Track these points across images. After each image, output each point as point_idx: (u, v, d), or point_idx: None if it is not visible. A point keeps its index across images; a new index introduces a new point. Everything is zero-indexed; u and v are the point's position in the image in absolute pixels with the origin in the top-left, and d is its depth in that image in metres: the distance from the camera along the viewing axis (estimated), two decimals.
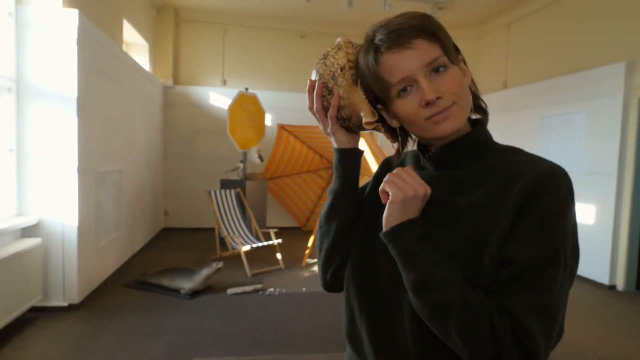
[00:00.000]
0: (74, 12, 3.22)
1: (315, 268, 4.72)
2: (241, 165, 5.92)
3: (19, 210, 3.20)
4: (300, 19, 6.83)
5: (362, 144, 4.36)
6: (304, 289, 3.98)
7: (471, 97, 0.72)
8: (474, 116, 0.76)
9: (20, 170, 3.19)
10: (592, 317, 3.50)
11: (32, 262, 3.02)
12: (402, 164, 0.84)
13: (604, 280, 4.29)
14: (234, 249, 4.60)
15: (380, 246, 0.75)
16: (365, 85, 0.72)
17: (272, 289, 3.93)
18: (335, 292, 0.85)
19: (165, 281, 3.75)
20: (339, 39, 0.76)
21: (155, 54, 6.47)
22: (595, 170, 4.40)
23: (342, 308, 0.82)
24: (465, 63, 0.72)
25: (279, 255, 4.76)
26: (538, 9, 5.55)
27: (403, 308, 0.70)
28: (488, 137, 0.74)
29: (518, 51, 6.00)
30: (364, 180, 0.83)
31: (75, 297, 3.30)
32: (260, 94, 6.41)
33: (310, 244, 5.00)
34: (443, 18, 6.24)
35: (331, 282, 0.84)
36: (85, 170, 3.46)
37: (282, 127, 6.09)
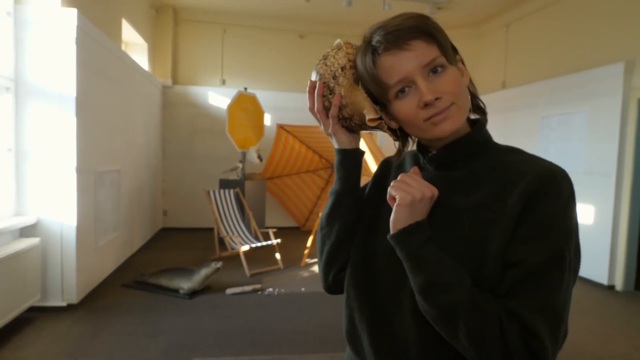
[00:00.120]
0: (73, 12, 3.22)
1: (315, 268, 4.72)
2: (240, 165, 5.92)
3: (18, 210, 3.19)
4: (299, 19, 6.83)
5: (362, 144, 4.36)
6: (303, 289, 3.97)
7: (470, 97, 0.72)
8: (472, 116, 0.76)
9: (18, 170, 3.18)
10: (590, 317, 3.50)
11: (31, 262, 3.01)
12: (401, 165, 0.84)
13: (603, 280, 4.29)
14: (232, 249, 4.59)
15: (380, 246, 0.75)
16: (365, 86, 0.72)
17: (271, 289, 3.93)
18: (338, 294, 0.84)
19: (164, 281, 3.75)
20: (338, 40, 0.76)
21: (154, 54, 6.46)
22: (595, 170, 4.41)
23: (342, 308, 0.82)
24: (463, 63, 0.72)
25: (278, 255, 4.76)
26: (537, 9, 5.55)
27: (404, 308, 0.70)
28: (488, 137, 0.74)
29: (517, 51, 6.00)
30: (363, 181, 0.83)
31: (73, 297, 3.30)
32: (260, 93, 6.41)
33: (309, 243, 5.00)
34: (442, 18, 6.25)
35: (333, 284, 0.84)
36: (84, 170, 3.46)
37: (281, 127, 6.09)
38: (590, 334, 3.14)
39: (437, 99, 0.65)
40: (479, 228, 0.66)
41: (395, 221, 0.68)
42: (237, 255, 4.72)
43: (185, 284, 3.64)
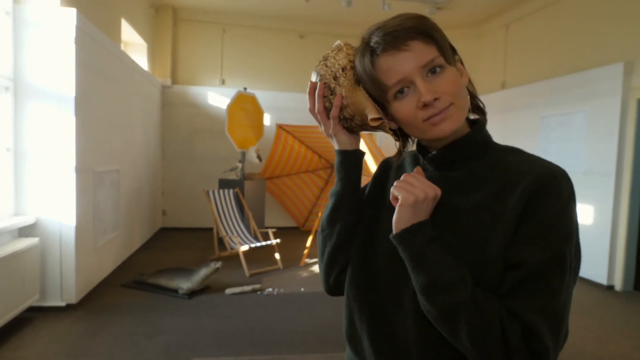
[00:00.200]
0: (72, 11, 3.22)
1: (314, 268, 4.72)
2: (240, 165, 5.91)
3: (17, 209, 3.19)
4: (299, 19, 6.83)
5: (362, 145, 4.36)
6: (302, 289, 3.97)
7: (469, 97, 0.72)
8: (472, 116, 0.76)
9: (17, 170, 3.18)
10: (590, 317, 3.50)
11: (30, 262, 3.01)
12: (401, 165, 0.84)
13: (602, 280, 4.29)
14: (232, 248, 4.59)
15: (380, 246, 0.75)
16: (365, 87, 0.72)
17: (270, 289, 3.93)
18: (339, 295, 0.84)
19: (164, 281, 3.75)
20: (338, 42, 0.76)
21: (153, 54, 6.46)
22: (594, 170, 4.41)
23: (342, 309, 0.82)
24: (462, 63, 0.72)
25: (277, 255, 4.76)
26: (537, 9, 5.55)
27: (404, 308, 0.70)
28: (487, 137, 0.74)
29: (517, 51, 6.00)
30: (363, 181, 0.83)
31: (72, 297, 3.29)
32: (259, 93, 6.41)
33: (308, 243, 5.00)
34: (442, 18, 6.25)
35: (334, 285, 0.83)
36: (83, 170, 3.45)
37: (280, 127, 6.08)
38: (590, 334, 3.14)
39: (436, 99, 0.65)
40: (479, 228, 0.66)
41: (398, 221, 0.68)
42: (237, 255, 4.71)
43: (184, 284, 3.64)
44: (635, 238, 4.20)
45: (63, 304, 3.28)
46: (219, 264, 3.71)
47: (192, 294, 3.67)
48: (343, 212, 0.78)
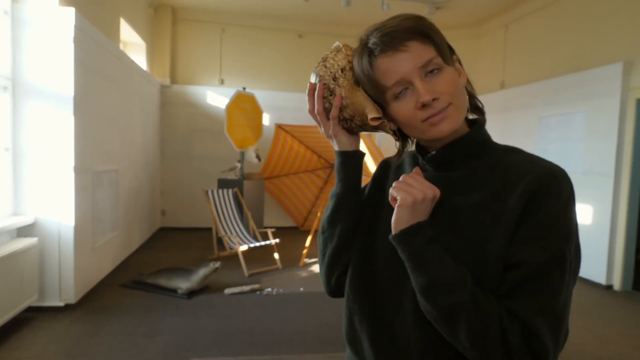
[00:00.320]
0: (71, 11, 3.21)
1: (313, 268, 4.72)
2: (239, 164, 5.91)
3: (15, 209, 3.18)
4: (298, 19, 6.82)
5: (361, 145, 4.36)
6: (301, 289, 3.97)
7: (467, 97, 0.72)
8: (471, 116, 0.76)
9: (16, 170, 3.17)
10: (589, 317, 3.51)
11: (28, 262, 3.00)
12: (400, 165, 0.84)
13: (601, 280, 4.30)
14: (231, 248, 4.59)
15: (380, 247, 0.75)
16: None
17: (269, 289, 3.93)
18: (341, 297, 0.84)
19: (163, 281, 3.74)
20: (337, 43, 0.76)
21: (152, 53, 6.45)
22: (593, 170, 4.41)
23: (342, 309, 0.81)
24: (460, 63, 0.72)
25: (276, 255, 4.76)
26: (536, 9, 5.56)
27: (404, 309, 0.70)
28: (487, 137, 0.74)
29: (516, 51, 6.01)
30: (363, 181, 0.83)
31: (71, 297, 3.29)
32: (258, 93, 6.40)
33: (307, 243, 5.00)
34: (441, 18, 6.25)
35: (336, 287, 0.83)
36: (82, 170, 3.45)
37: (279, 127, 6.08)
38: (589, 334, 3.15)
39: (434, 99, 0.65)
40: (479, 228, 0.66)
41: (397, 222, 0.68)
42: (236, 255, 4.71)
43: (183, 284, 3.63)
44: (634, 238, 4.21)
45: (62, 304, 3.27)
46: (218, 264, 3.71)
47: (191, 294, 3.67)
48: (343, 213, 0.78)
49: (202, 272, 3.67)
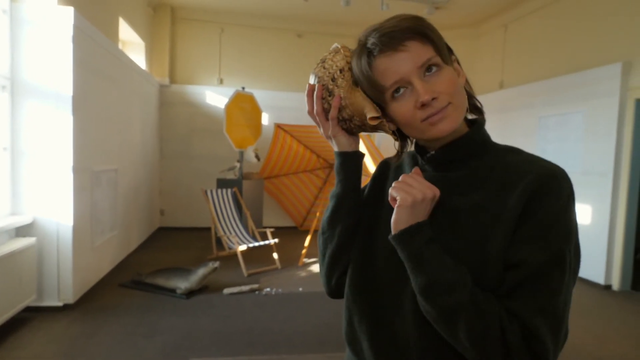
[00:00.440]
0: (70, 10, 3.20)
1: (312, 268, 4.72)
2: (238, 164, 5.91)
3: (13, 209, 3.18)
4: (297, 19, 6.82)
5: (360, 146, 4.35)
6: (300, 289, 3.97)
7: (466, 97, 0.72)
8: (470, 116, 0.76)
9: (14, 169, 3.17)
10: (588, 317, 3.51)
11: (27, 262, 2.99)
12: (400, 166, 0.84)
13: (600, 280, 4.30)
14: (230, 248, 4.58)
15: (380, 247, 0.75)
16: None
17: (268, 289, 3.92)
18: (341, 298, 0.84)
19: (161, 281, 3.74)
20: (335, 44, 0.76)
21: (151, 53, 6.44)
22: (592, 170, 4.42)
23: (342, 309, 0.81)
24: (459, 63, 0.72)
25: (275, 255, 4.75)
26: (535, 9, 5.56)
27: (404, 309, 0.70)
28: (486, 137, 0.74)
29: (515, 51, 6.01)
30: (362, 182, 0.83)
31: (70, 297, 3.28)
32: (257, 93, 6.40)
33: (306, 243, 5.00)
34: (440, 18, 6.25)
35: (336, 288, 0.83)
36: (81, 169, 3.44)
37: (278, 127, 6.07)
38: (588, 334, 3.15)
39: (433, 99, 0.65)
40: (479, 228, 0.66)
41: (397, 222, 0.68)
42: (235, 255, 4.71)
43: (182, 284, 3.63)
44: (633, 238, 4.22)
45: (60, 304, 3.26)
46: (217, 264, 3.71)
47: (190, 294, 3.66)
48: (343, 213, 0.78)
49: (201, 272, 3.66)
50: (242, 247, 4.47)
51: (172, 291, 3.67)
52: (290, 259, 5.01)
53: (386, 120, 0.72)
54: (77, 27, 3.27)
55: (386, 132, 0.73)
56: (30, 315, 3.09)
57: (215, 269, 3.70)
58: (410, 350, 0.69)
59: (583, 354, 2.83)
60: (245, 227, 5.14)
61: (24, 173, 3.18)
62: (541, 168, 0.65)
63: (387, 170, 0.85)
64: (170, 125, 6.66)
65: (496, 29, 6.40)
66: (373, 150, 4.66)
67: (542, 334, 0.59)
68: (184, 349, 2.69)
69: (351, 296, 0.78)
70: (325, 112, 0.75)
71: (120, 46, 5.14)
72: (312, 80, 0.76)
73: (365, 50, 0.68)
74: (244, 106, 5.95)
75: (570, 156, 4.67)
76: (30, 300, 3.06)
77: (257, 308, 3.46)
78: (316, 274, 4.47)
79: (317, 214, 5.50)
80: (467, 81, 0.74)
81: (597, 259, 4.32)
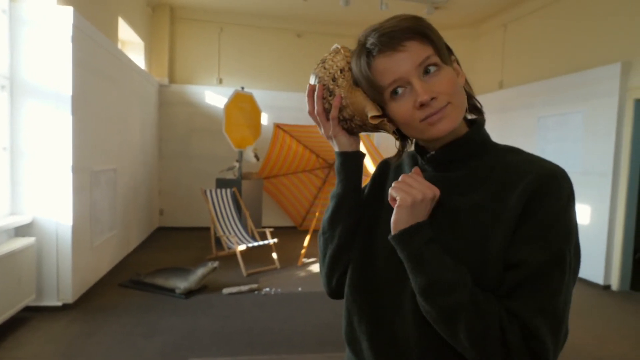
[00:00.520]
0: (69, 10, 3.20)
1: (311, 267, 4.72)
2: (237, 164, 5.90)
3: (13, 209, 3.17)
4: (296, 18, 6.82)
5: (360, 146, 4.35)
6: (299, 289, 3.97)
7: (466, 97, 0.72)
8: (470, 116, 0.76)
9: (14, 169, 3.16)
10: (587, 317, 3.51)
11: (26, 262, 2.99)
12: (400, 166, 0.84)
13: (599, 280, 4.30)
14: (229, 248, 4.58)
15: (380, 247, 0.75)
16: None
17: (267, 289, 3.92)
18: (341, 298, 0.83)
19: (161, 281, 3.74)
20: (335, 45, 0.76)
21: (150, 52, 6.44)
22: (591, 170, 4.42)
23: (342, 309, 0.81)
24: (458, 63, 0.72)
25: (274, 255, 4.75)
26: (535, 9, 5.56)
27: (404, 309, 0.70)
28: (486, 137, 0.74)
29: (514, 51, 6.01)
30: (363, 182, 0.82)
31: (69, 297, 3.28)
32: (256, 93, 6.40)
33: (306, 243, 5.00)
34: (440, 18, 6.25)
35: (337, 288, 0.83)
36: (80, 169, 3.44)
37: (278, 126, 6.07)
38: (588, 334, 3.15)
39: (433, 99, 0.65)
40: (479, 228, 0.66)
41: (396, 222, 0.68)
42: (234, 254, 4.70)
43: (181, 284, 3.63)
44: (632, 238, 4.22)
45: (59, 303, 3.26)
46: (216, 264, 3.70)
47: (189, 293, 3.66)
48: (344, 214, 0.78)
49: (200, 271, 3.66)
50: (242, 247, 4.47)
51: (172, 291, 3.66)
52: (290, 259, 5.01)
53: (386, 120, 0.73)
54: (76, 27, 3.27)
55: (387, 131, 0.73)
56: (29, 315, 3.09)
57: (214, 269, 3.69)
58: (410, 351, 0.69)
59: (583, 354, 2.83)
60: (245, 227, 5.14)
61: (24, 173, 3.18)
62: (541, 168, 0.65)
63: (387, 170, 0.85)
64: (169, 125, 6.65)
65: (496, 28, 6.40)
66: (373, 150, 4.66)
67: (542, 334, 0.59)
68: (183, 349, 2.69)
69: (351, 296, 0.78)
70: (326, 112, 0.75)
71: (119, 46, 5.14)
72: (312, 80, 0.76)
73: (364, 51, 0.68)
74: (243, 106, 5.95)
75: (570, 156, 4.67)
76: (30, 300, 3.06)
77: (256, 308, 3.46)
78: (315, 273, 4.47)
79: (317, 213, 5.50)
80: (466, 81, 0.74)
81: (597, 259, 4.32)
